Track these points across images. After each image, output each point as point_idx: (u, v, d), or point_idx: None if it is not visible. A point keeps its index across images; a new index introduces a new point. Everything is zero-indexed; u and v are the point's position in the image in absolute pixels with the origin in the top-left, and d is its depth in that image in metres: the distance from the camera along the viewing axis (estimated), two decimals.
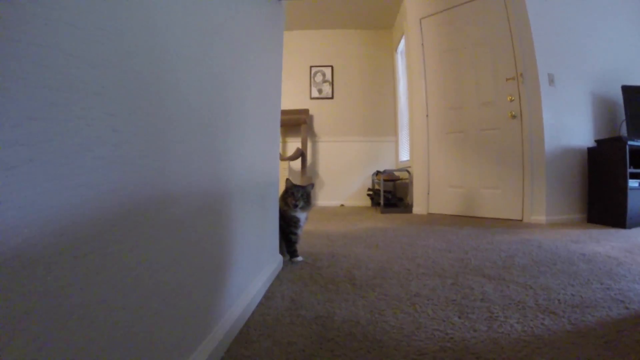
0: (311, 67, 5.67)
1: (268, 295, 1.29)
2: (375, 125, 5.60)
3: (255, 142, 1.23)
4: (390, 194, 4.72)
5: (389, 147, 5.58)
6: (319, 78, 5.64)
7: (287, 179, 1.81)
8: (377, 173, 4.99)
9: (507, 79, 3.55)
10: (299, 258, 1.78)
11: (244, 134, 1.06)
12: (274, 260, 1.54)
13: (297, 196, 1.74)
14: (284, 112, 5.16)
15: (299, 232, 1.81)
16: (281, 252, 1.73)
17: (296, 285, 1.42)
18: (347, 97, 5.65)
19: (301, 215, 1.79)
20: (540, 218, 3.21)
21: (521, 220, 3.37)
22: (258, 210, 1.27)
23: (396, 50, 5.50)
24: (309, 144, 5.48)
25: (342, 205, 5.48)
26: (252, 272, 1.20)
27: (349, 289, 1.38)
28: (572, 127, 3.40)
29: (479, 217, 3.72)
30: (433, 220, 3.58)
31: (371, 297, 1.29)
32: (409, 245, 2.25)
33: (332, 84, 5.63)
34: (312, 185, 1.88)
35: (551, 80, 3.34)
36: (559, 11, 3.47)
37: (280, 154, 5.08)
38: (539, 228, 2.91)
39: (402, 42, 5.11)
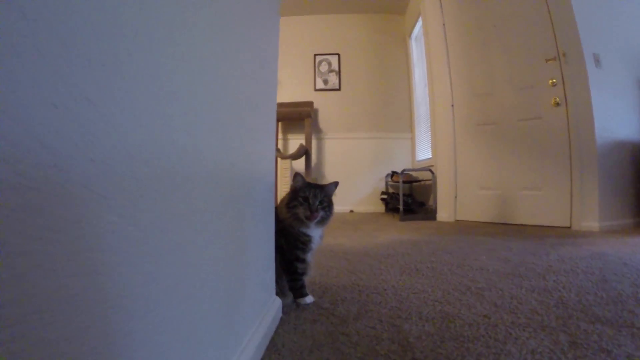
0: (315, 55, 5.06)
1: None
2: (387, 120, 4.98)
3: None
4: (410, 197, 4.07)
5: (404, 145, 4.95)
6: (324, 67, 5.02)
7: (297, 174, 1.15)
8: (393, 174, 4.35)
9: (546, 60, 2.98)
10: (308, 299, 1.12)
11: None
12: (265, 310, 0.88)
13: (314, 202, 1.09)
14: (284, 105, 4.56)
15: (310, 257, 1.15)
16: (278, 289, 1.07)
17: None
18: (355, 88, 5.03)
19: (315, 232, 1.14)
20: (593, 224, 2.66)
21: (569, 228, 2.81)
22: (227, 225, 0.63)
23: (410, 36, 4.90)
24: (314, 141, 4.85)
25: (351, 211, 4.83)
26: (215, 347, 0.56)
27: None
28: (622, 116, 2.91)
29: (517, 224, 3.15)
30: (465, 229, 2.94)
31: None
32: (458, 267, 1.62)
33: (338, 73, 5.01)
34: (336, 184, 1.22)
35: (597, 61, 2.81)
36: None
37: (280, 150, 4.44)
38: (595, 237, 2.40)
39: (418, 26, 4.52)
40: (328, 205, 1.13)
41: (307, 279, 1.15)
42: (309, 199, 1.09)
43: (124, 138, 0.34)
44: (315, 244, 1.14)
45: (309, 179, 1.18)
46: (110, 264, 0.32)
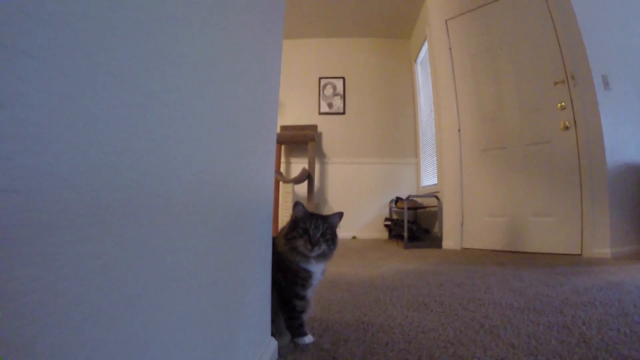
0: (320, 78, 5.06)
1: None
2: (392, 145, 4.92)
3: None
4: (415, 224, 3.96)
5: (409, 170, 4.86)
6: (328, 91, 5.01)
7: (297, 203, 1.06)
8: (398, 200, 4.26)
9: (555, 83, 2.95)
10: (307, 339, 1.01)
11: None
12: (259, 353, 0.78)
13: (315, 234, 0.99)
14: (288, 128, 4.53)
15: (310, 293, 1.05)
16: (274, 328, 0.97)
17: None
18: (360, 112, 5.00)
19: (317, 267, 1.03)
20: (604, 251, 2.57)
21: (580, 255, 2.72)
22: (216, 265, 0.54)
23: (415, 60, 4.90)
24: (317, 166, 4.78)
25: (354, 237, 4.71)
26: None
27: None
28: (632, 138, 2.84)
29: (526, 252, 3.03)
30: (472, 258, 2.82)
31: None
32: (468, 301, 1.51)
33: (343, 97, 4.99)
34: (341, 215, 1.11)
35: (605, 83, 2.77)
36: (605, 1, 2.97)
37: (282, 174, 4.37)
38: (608, 264, 2.30)
39: (423, 50, 4.53)
40: (331, 238, 1.03)
41: (306, 317, 1.05)
42: (309, 230, 0.99)
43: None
44: (317, 280, 1.04)
45: (311, 204, 1.10)
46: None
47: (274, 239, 1.00)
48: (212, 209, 0.53)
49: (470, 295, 1.60)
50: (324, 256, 1.02)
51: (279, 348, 0.93)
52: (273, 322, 0.92)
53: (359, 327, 1.18)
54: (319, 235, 0.99)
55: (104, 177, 0.30)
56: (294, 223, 1.03)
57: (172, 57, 0.41)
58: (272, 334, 0.91)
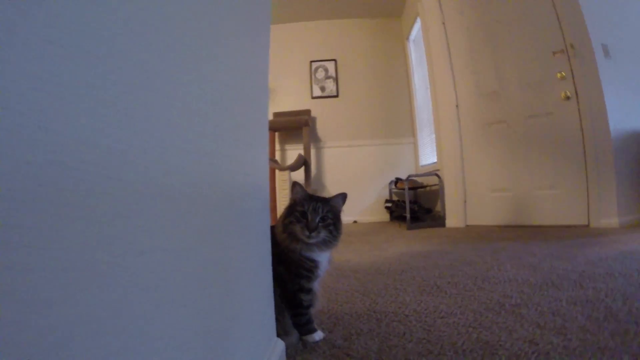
0: (311, 62, 4.93)
1: None
2: (389, 126, 4.82)
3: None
4: (416, 204, 3.88)
5: (407, 150, 4.78)
6: (320, 74, 4.87)
7: (295, 184, 0.95)
8: (398, 181, 4.18)
9: (554, 53, 2.86)
10: (317, 336, 0.92)
11: None
12: (264, 357, 0.69)
13: (314, 218, 0.88)
14: (280, 114, 4.41)
15: (317, 286, 0.95)
16: (280, 327, 0.87)
17: None
18: (354, 94, 4.88)
19: (322, 255, 0.93)
20: (612, 220, 2.54)
21: (588, 226, 2.68)
22: (204, 262, 0.45)
23: (407, 38, 4.78)
24: (313, 151, 4.68)
25: (355, 221, 4.64)
26: None
27: None
28: (635, 107, 2.79)
29: (533, 225, 2.98)
30: (478, 235, 2.75)
31: None
32: (483, 280, 1.44)
33: (336, 80, 4.86)
34: (344, 197, 1.01)
35: (606, 52, 2.70)
36: None
37: (277, 162, 4.27)
38: (617, 233, 2.26)
39: (416, 27, 4.41)
40: (333, 223, 0.91)
41: (314, 311, 0.96)
42: (307, 214, 0.88)
43: None
44: (323, 269, 0.93)
45: (309, 191, 0.97)
46: None
47: (273, 228, 0.90)
48: (198, 198, 0.43)
49: (483, 274, 1.53)
50: (325, 244, 0.91)
51: (287, 348, 0.84)
52: (278, 321, 0.82)
53: (371, 317, 1.10)
54: (318, 219, 0.89)
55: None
56: (291, 207, 0.93)
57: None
58: (278, 334, 0.82)
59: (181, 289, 0.38)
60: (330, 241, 0.92)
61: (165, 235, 0.36)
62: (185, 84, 0.43)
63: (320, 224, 0.89)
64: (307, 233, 0.87)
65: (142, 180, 0.33)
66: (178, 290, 0.37)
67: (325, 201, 0.94)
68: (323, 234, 0.89)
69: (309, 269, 0.89)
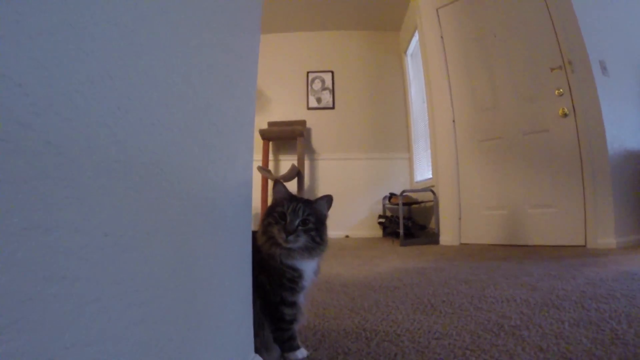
0: (308, 72, 4.90)
1: None
2: (384, 140, 4.78)
3: None
4: (410, 220, 3.81)
5: (401, 165, 4.73)
6: (317, 85, 4.84)
7: (277, 182, 0.86)
8: (391, 196, 4.11)
9: (551, 69, 2.84)
10: (300, 354, 0.83)
11: None
12: None
13: (293, 220, 0.79)
14: (275, 124, 4.36)
15: (302, 298, 0.86)
16: (259, 342, 0.78)
17: None
18: (350, 107, 4.85)
19: (307, 264, 0.83)
20: (609, 241, 2.46)
21: (584, 246, 2.60)
22: (173, 253, 0.37)
23: (405, 52, 4.79)
24: (307, 162, 4.61)
25: (347, 236, 4.55)
26: None
27: None
28: (633, 125, 2.78)
29: (528, 245, 2.90)
30: (472, 253, 2.67)
31: None
32: (479, 299, 1.36)
33: (332, 91, 4.83)
34: (329, 200, 0.91)
35: (604, 69, 2.69)
36: None
37: (270, 172, 4.20)
38: (615, 254, 2.19)
39: (414, 41, 4.42)
40: (315, 228, 0.82)
41: (298, 327, 0.87)
42: (286, 215, 0.80)
43: None
44: (309, 281, 0.84)
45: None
46: None
47: (255, 233, 0.81)
48: (156, 177, 0.35)
49: (479, 293, 1.45)
50: (308, 251, 0.81)
51: None
52: (257, 335, 0.73)
53: (360, 335, 1.01)
54: (298, 222, 0.79)
55: None
56: (271, 207, 0.84)
57: None
58: (258, 350, 0.73)
59: (116, 284, 0.30)
60: (313, 248, 0.82)
61: (140, 242, 0.28)
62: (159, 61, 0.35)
63: (300, 228, 0.80)
64: (284, 236, 0.78)
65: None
66: (111, 285, 0.29)
67: (308, 203, 0.85)
68: (303, 239, 0.80)
69: (292, 279, 0.80)
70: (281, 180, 0.86)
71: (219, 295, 0.53)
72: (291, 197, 0.85)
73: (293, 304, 0.82)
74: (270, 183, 3.88)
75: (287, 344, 0.83)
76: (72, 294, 0.25)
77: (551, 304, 1.23)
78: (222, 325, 0.54)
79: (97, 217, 0.28)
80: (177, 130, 0.42)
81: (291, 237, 0.78)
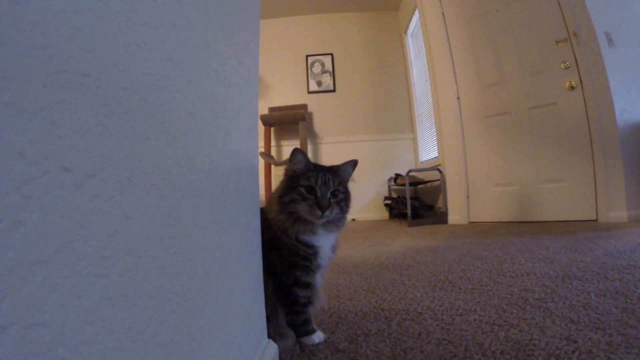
0: (307, 56, 4.79)
1: None
2: (387, 121, 4.68)
3: None
4: (417, 201, 3.75)
5: (406, 146, 4.65)
6: (317, 69, 4.73)
7: (296, 150, 0.79)
8: (397, 177, 4.05)
9: (557, 42, 2.74)
10: (316, 337, 0.78)
11: None
12: None
13: (324, 194, 0.72)
14: (276, 109, 4.28)
15: (318, 279, 0.79)
16: (272, 328, 0.72)
17: None
18: (351, 89, 4.74)
19: (324, 239, 0.76)
20: (621, 214, 2.41)
21: (596, 220, 2.55)
22: (170, 229, 0.30)
23: (405, 32, 4.66)
24: (309, 146, 4.54)
25: (353, 219, 4.49)
26: None
27: None
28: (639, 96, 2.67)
29: (539, 221, 2.84)
30: (482, 231, 2.62)
31: None
32: (497, 274, 1.31)
33: (332, 74, 4.73)
34: (355, 163, 0.84)
35: (609, 40, 2.59)
36: None
37: (273, 157, 4.14)
38: (628, 227, 2.14)
39: (414, 20, 4.30)
40: (344, 198, 0.76)
41: (314, 310, 0.80)
42: (315, 189, 0.72)
43: None
44: (325, 258, 0.77)
45: None
46: None
47: (262, 209, 0.74)
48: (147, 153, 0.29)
49: (496, 268, 1.40)
50: (334, 223, 0.75)
51: (281, 353, 0.70)
52: (270, 321, 0.67)
53: (379, 315, 0.96)
54: (329, 194, 0.73)
55: None
56: (291, 181, 0.76)
57: None
58: (271, 336, 0.67)
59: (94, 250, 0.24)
60: (339, 219, 0.76)
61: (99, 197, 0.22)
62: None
63: (332, 201, 0.73)
64: (318, 213, 0.70)
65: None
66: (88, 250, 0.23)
67: (334, 171, 0.78)
68: (336, 211, 0.73)
69: (307, 257, 0.74)
70: (301, 149, 0.79)
71: (223, 275, 0.47)
72: (315, 167, 0.78)
73: (308, 285, 0.76)
74: (273, 169, 3.82)
75: (302, 328, 0.78)
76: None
77: (573, 276, 1.20)
78: (229, 310, 0.49)
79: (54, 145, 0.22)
80: (169, 63, 0.36)
81: (327, 212, 0.71)
